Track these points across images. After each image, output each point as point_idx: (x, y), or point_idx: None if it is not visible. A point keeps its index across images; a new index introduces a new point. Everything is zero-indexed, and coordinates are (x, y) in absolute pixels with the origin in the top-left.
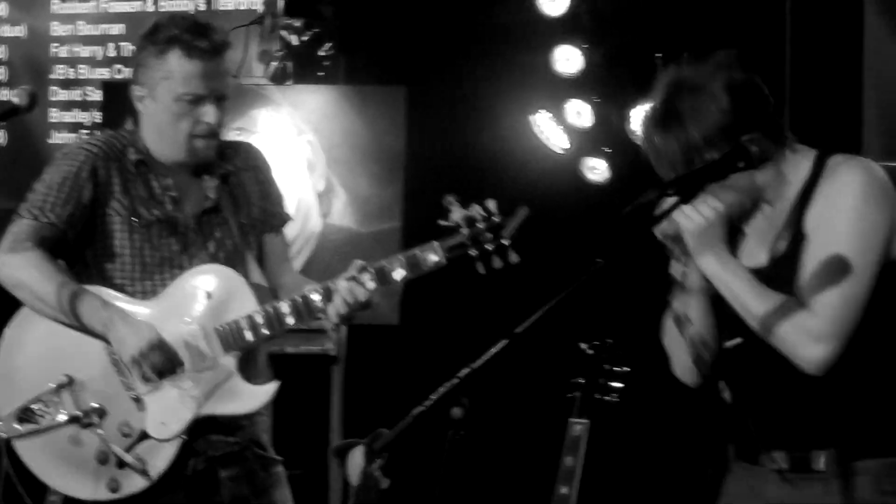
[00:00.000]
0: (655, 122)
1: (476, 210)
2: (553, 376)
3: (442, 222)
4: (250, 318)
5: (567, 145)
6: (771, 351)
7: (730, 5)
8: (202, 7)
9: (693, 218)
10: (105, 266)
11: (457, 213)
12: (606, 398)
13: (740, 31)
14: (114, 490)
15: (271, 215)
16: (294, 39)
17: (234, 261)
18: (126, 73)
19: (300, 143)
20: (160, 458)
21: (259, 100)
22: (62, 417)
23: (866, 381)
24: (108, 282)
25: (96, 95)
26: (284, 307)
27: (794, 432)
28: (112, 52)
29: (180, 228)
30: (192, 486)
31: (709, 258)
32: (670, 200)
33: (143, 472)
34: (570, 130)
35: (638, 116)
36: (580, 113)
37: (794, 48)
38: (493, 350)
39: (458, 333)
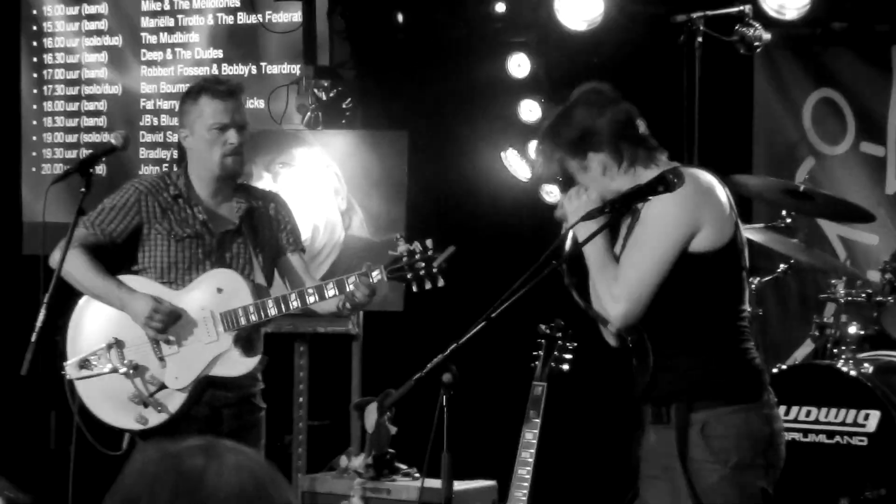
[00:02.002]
0: (544, 137)
1: (416, 245)
2: (519, 350)
3: (391, 252)
4: (245, 308)
5: (529, 175)
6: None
7: (651, 67)
8: (254, 72)
9: (572, 202)
10: (152, 266)
11: (402, 247)
12: (560, 366)
13: (663, 86)
14: (142, 423)
15: (283, 242)
16: (323, 95)
17: (244, 269)
18: None
19: (328, 174)
20: (174, 402)
21: (297, 141)
22: (108, 368)
23: (696, 350)
24: (153, 276)
25: (174, 138)
26: (270, 302)
27: (654, 390)
28: None
29: (206, 242)
30: (201, 423)
31: (579, 231)
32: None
33: (162, 411)
34: (532, 164)
35: None
36: None
37: (703, 99)
38: (474, 329)
39: (449, 317)
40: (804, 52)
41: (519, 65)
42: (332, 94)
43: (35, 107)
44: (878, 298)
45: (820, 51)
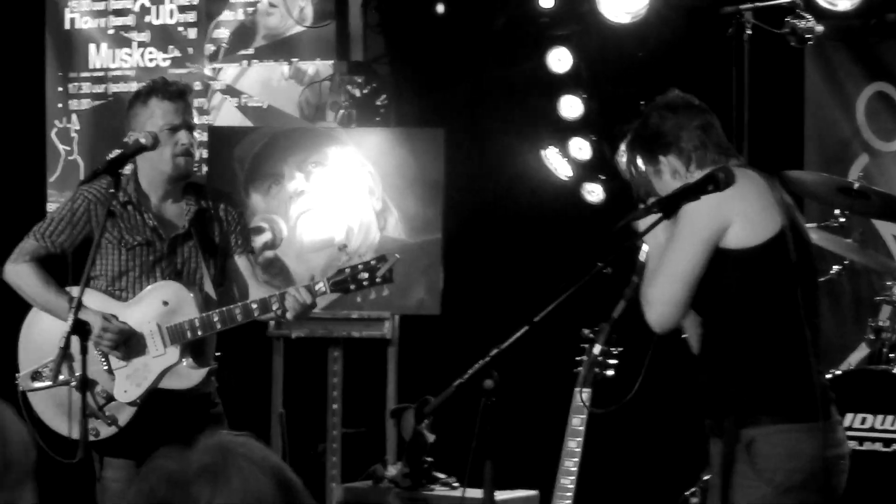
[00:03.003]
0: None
1: (357, 259)
2: (563, 355)
3: (338, 266)
4: (191, 322)
5: (570, 174)
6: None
7: (698, 61)
8: (286, 71)
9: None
10: (103, 274)
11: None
12: (604, 372)
13: (711, 81)
14: (94, 435)
15: (232, 243)
16: (357, 92)
17: (193, 275)
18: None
19: (362, 173)
20: (124, 415)
21: (330, 140)
22: (60, 379)
23: (750, 361)
24: (103, 285)
25: (203, 137)
26: (215, 316)
27: (711, 401)
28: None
29: (156, 248)
30: (154, 431)
31: (642, 228)
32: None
33: (112, 423)
34: (573, 162)
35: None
36: (581, 148)
37: (752, 94)
38: (516, 334)
39: (489, 322)
40: (857, 45)
41: (560, 59)
42: (366, 91)
43: (60, 105)
44: None
45: (874, 43)
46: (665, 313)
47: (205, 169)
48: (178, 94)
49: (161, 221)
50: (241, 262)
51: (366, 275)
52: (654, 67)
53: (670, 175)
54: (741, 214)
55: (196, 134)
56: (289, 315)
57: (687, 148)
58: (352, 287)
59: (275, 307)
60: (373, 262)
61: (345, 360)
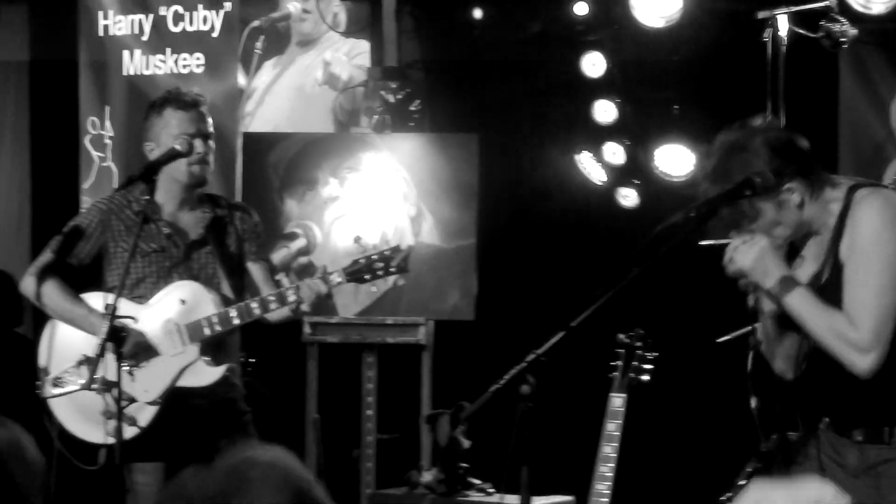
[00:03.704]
0: (712, 180)
1: (372, 250)
2: (598, 360)
3: (353, 258)
4: (209, 319)
5: (605, 178)
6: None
7: (732, 65)
8: (320, 77)
9: (747, 255)
10: (125, 280)
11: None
12: (640, 377)
13: (745, 86)
14: (120, 437)
15: (246, 250)
16: (391, 98)
17: (210, 280)
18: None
19: (397, 179)
20: (145, 416)
21: (364, 145)
22: (80, 384)
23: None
24: (119, 292)
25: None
26: (233, 311)
27: (869, 410)
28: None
29: (172, 255)
30: (178, 435)
31: (770, 282)
32: (731, 245)
33: (133, 424)
34: (607, 166)
35: (661, 156)
36: (615, 153)
37: (787, 98)
38: (553, 339)
39: (523, 327)
40: (892, 48)
41: (594, 64)
42: (400, 97)
43: (94, 112)
44: None
45: None
46: (882, 354)
47: (238, 176)
48: (192, 103)
49: (176, 229)
50: (254, 268)
51: (381, 264)
52: (689, 72)
53: (798, 202)
54: None
55: (212, 143)
56: (304, 306)
57: (808, 173)
58: (367, 277)
59: (291, 299)
60: (387, 252)
61: (379, 366)
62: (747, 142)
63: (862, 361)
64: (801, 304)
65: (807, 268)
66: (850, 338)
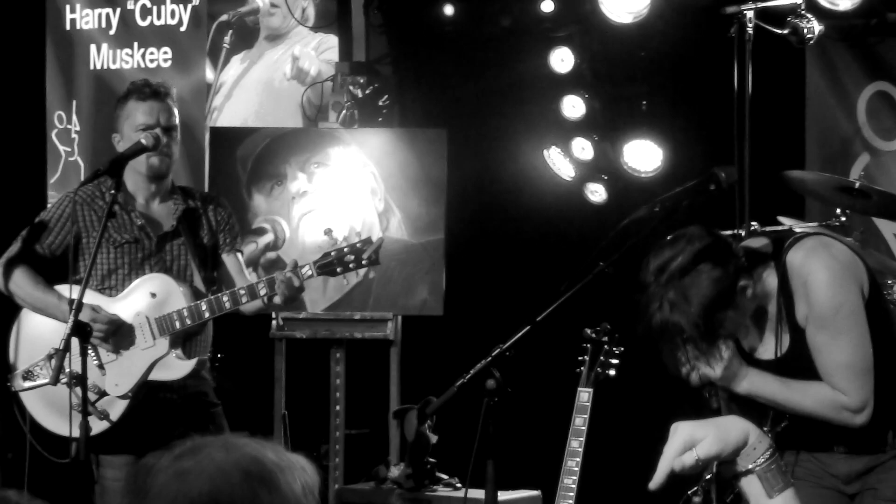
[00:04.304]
0: (655, 331)
1: (343, 243)
2: (565, 354)
3: (324, 251)
4: (179, 313)
5: (573, 173)
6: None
7: (700, 61)
8: (287, 72)
9: (714, 369)
10: (92, 274)
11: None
12: (607, 372)
13: (712, 81)
14: (87, 431)
15: (220, 242)
16: (359, 92)
17: (183, 271)
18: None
19: (365, 174)
20: (117, 409)
21: (332, 140)
22: (50, 377)
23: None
24: (92, 284)
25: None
26: (203, 305)
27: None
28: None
29: (144, 246)
30: (150, 428)
31: (742, 385)
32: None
33: (105, 418)
34: (576, 162)
35: (629, 151)
36: (584, 148)
37: (754, 93)
38: (518, 334)
39: (490, 322)
40: (858, 44)
41: (562, 59)
42: (368, 91)
43: (60, 106)
44: None
45: (875, 42)
46: (872, 407)
47: (205, 171)
48: (152, 94)
49: (149, 220)
50: (228, 259)
51: (352, 257)
52: (656, 68)
53: (751, 309)
54: (864, 270)
55: (175, 135)
56: (277, 299)
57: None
58: (338, 270)
59: (262, 293)
60: (358, 245)
61: (347, 361)
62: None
63: (858, 419)
64: (780, 393)
65: (765, 342)
66: (840, 404)
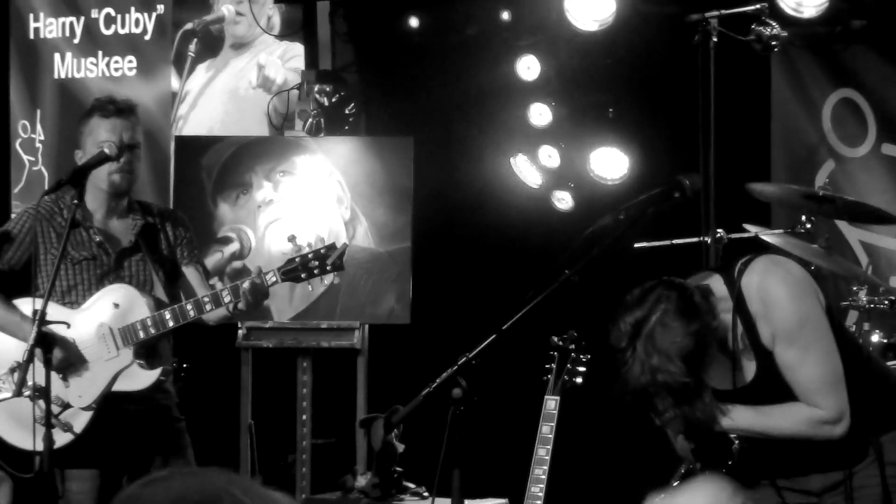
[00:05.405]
0: (640, 395)
1: (307, 249)
2: (531, 363)
3: (289, 258)
4: (143, 322)
5: (540, 181)
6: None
7: (665, 68)
8: (253, 80)
9: (697, 413)
10: (52, 288)
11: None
12: (574, 380)
13: (678, 89)
14: (50, 444)
15: (179, 255)
16: (325, 101)
17: (142, 287)
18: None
19: (331, 182)
20: (80, 421)
21: (298, 148)
22: (13, 391)
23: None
24: (53, 299)
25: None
26: (167, 314)
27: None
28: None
29: (103, 262)
30: (113, 441)
31: (723, 423)
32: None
33: (68, 430)
34: (542, 169)
35: (595, 159)
36: (550, 156)
37: (719, 101)
38: (485, 343)
39: (457, 330)
40: (823, 51)
41: (528, 67)
42: (334, 100)
43: (24, 116)
44: None
45: (839, 49)
46: (848, 415)
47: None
48: (116, 112)
49: (107, 237)
50: (188, 271)
51: (316, 263)
52: (622, 75)
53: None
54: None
55: (138, 152)
56: (241, 305)
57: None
58: (303, 276)
59: (227, 300)
60: (322, 251)
61: (314, 371)
62: (649, 317)
63: (837, 430)
64: (758, 422)
65: (724, 371)
66: (818, 419)
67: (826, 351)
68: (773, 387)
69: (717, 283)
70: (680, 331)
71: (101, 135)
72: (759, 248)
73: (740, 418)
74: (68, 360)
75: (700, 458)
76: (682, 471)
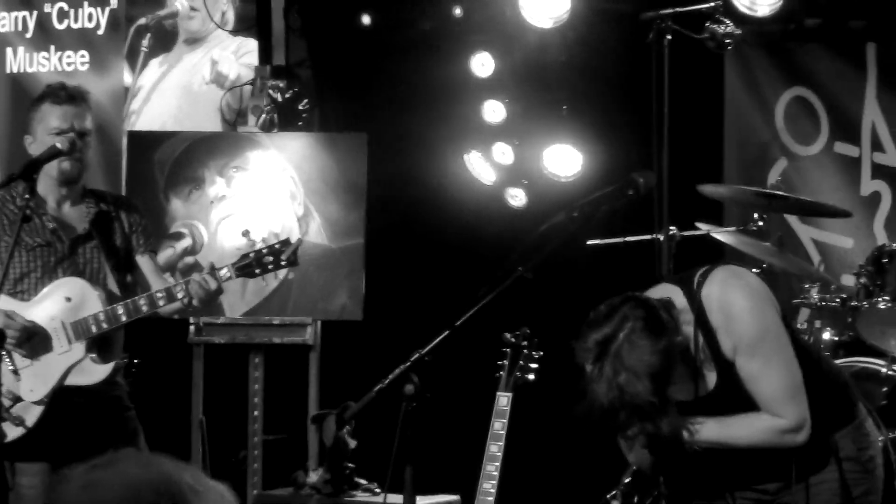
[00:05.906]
0: (608, 413)
1: (262, 244)
2: (484, 359)
3: (243, 252)
4: (95, 317)
5: (493, 178)
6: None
7: (619, 66)
8: (206, 75)
9: (662, 428)
10: (4, 276)
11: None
12: (526, 376)
13: (632, 86)
14: (1, 438)
15: (133, 244)
16: (279, 96)
17: (96, 274)
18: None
19: (284, 178)
20: (32, 415)
21: (251, 144)
22: None
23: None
24: (5, 288)
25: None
26: (120, 308)
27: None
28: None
29: (57, 250)
30: (64, 434)
31: (686, 436)
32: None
33: (20, 424)
34: (496, 166)
35: (549, 156)
36: (504, 153)
37: (672, 98)
38: (437, 339)
39: (409, 326)
40: (777, 50)
41: (483, 64)
42: (287, 95)
43: None
44: (852, 303)
45: (793, 48)
46: (808, 421)
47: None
48: (67, 98)
49: (61, 224)
50: (142, 261)
51: (270, 258)
52: (577, 72)
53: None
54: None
55: (89, 139)
56: (195, 301)
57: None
58: (257, 271)
59: (180, 295)
60: (277, 246)
61: (266, 366)
62: (617, 335)
63: (799, 437)
64: (721, 434)
65: (678, 385)
66: (780, 428)
67: (786, 361)
68: (733, 397)
69: (676, 296)
70: (648, 349)
71: (52, 122)
72: (714, 253)
73: (704, 431)
74: (28, 332)
75: (661, 472)
76: (632, 469)
